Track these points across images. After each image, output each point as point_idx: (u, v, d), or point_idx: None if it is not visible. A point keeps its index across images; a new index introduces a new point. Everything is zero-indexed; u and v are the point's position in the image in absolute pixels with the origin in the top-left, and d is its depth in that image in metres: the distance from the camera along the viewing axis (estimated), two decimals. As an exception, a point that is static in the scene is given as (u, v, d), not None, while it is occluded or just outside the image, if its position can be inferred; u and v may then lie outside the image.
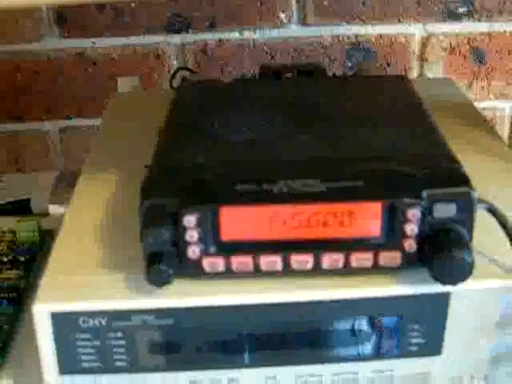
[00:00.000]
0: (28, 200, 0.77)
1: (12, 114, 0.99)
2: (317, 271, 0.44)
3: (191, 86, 0.59)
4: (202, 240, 0.42)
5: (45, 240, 0.66)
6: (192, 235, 0.42)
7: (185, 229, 0.42)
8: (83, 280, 0.45)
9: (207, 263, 0.43)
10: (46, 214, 0.73)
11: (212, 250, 0.43)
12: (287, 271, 0.43)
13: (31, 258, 0.64)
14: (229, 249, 0.43)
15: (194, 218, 0.41)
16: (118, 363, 0.45)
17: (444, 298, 0.44)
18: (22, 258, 0.64)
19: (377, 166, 0.44)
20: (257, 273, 0.43)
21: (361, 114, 0.52)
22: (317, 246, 0.43)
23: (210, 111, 0.53)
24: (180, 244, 0.42)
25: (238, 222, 0.42)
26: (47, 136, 1.01)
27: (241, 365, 0.46)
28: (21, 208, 0.77)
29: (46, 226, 0.68)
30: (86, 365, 0.45)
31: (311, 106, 0.54)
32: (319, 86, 0.59)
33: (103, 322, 0.44)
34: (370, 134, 0.49)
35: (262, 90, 0.58)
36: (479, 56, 0.99)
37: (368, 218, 0.42)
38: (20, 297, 0.59)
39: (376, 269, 0.44)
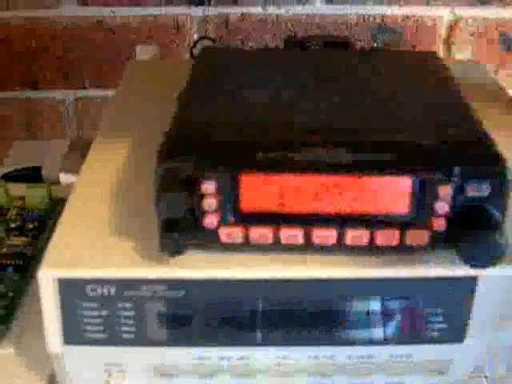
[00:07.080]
0: (40, 168, 0.75)
1: (27, 80, 0.97)
2: (339, 247, 0.41)
3: (212, 51, 0.56)
4: (220, 209, 0.40)
5: (55, 208, 0.64)
6: (210, 203, 0.40)
7: (203, 196, 0.39)
8: (93, 246, 0.43)
9: (224, 233, 0.41)
10: (57, 183, 0.71)
11: (231, 219, 0.40)
12: (308, 246, 0.41)
13: (40, 225, 0.62)
14: (248, 219, 0.40)
15: (213, 185, 0.39)
16: (126, 335, 0.43)
17: (470, 283, 0.42)
18: (31, 225, 0.62)
19: (405, 138, 0.41)
20: (276, 246, 0.41)
21: (388, 86, 0.50)
22: (341, 221, 0.41)
23: (230, 75, 0.51)
24: (197, 212, 0.40)
25: (258, 191, 0.40)
26: (62, 105, 0.99)
27: (252, 343, 0.44)
28: (33, 176, 0.75)
29: (57, 194, 0.65)
30: (91, 335, 0.43)
31: (336, 75, 0.51)
32: (346, 56, 0.56)
33: (112, 291, 0.41)
34: (398, 106, 0.46)
35: (286, 58, 0.55)
36: (507, 42, 0.96)
37: (396, 194, 0.40)
38: (26, 264, 0.57)
39: (402, 247, 0.41)
